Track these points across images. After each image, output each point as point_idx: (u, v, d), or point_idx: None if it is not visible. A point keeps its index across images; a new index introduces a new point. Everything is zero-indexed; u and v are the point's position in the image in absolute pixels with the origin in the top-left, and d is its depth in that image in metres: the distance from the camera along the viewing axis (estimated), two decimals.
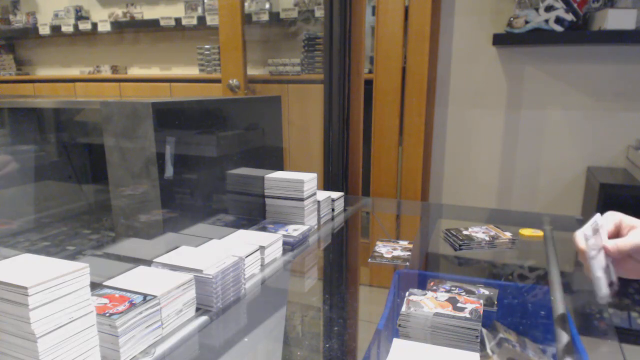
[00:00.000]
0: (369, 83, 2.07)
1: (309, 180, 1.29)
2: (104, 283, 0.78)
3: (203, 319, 0.83)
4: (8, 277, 0.57)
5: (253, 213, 1.32)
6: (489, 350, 0.77)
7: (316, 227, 1.36)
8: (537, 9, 1.84)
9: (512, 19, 1.88)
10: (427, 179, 2.24)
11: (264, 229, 1.22)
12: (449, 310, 0.79)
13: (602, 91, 1.95)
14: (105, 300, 0.71)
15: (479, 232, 1.31)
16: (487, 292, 0.94)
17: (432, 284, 0.97)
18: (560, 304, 0.88)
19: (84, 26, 3.28)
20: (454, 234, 1.30)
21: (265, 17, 2.69)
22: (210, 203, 1.21)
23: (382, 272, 1.16)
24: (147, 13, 3.22)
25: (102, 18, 3.29)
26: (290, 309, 0.99)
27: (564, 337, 0.74)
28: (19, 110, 1.42)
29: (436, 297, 0.84)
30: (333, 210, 1.48)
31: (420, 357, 0.71)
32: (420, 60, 2.01)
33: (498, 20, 2.01)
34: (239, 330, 0.85)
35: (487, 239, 1.26)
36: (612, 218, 0.82)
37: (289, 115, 2.50)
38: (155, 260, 0.89)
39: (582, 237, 0.79)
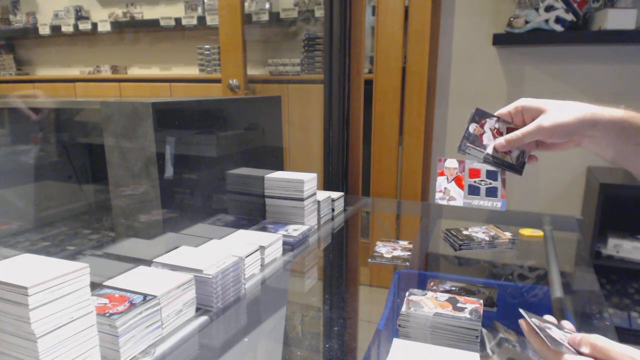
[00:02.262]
0: (369, 83, 2.07)
1: (309, 180, 1.29)
2: (104, 283, 0.78)
3: (203, 319, 0.83)
4: (8, 277, 0.57)
5: (253, 213, 1.32)
6: (489, 350, 0.77)
7: (316, 227, 1.36)
8: (537, 9, 1.84)
9: (512, 19, 1.88)
10: (427, 179, 2.24)
11: (264, 229, 1.22)
12: (449, 310, 0.79)
13: (602, 91, 1.95)
14: (105, 300, 0.71)
15: (479, 232, 1.31)
16: (487, 292, 0.94)
17: (432, 284, 0.97)
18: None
19: (84, 26, 3.28)
20: (454, 234, 1.30)
21: (265, 17, 2.69)
22: (210, 203, 1.22)
23: (382, 272, 1.16)
24: (147, 13, 3.22)
25: (102, 18, 3.29)
26: (290, 309, 0.99)
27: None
28: (19, 110, 1.42)
29: (436, 297, 0.84)
30: (333, 210, 1.48)
31: (420, 357, 0.71)
32: (420, 60, 2.01)
33: (498, 20, 2.01)
34: (239, 330, 0.85)
35: (487, 239, 1.26)
36: (511, 106, 0.80)
37: (289, 115, 2.50)
38: (155, 260, 0.89)
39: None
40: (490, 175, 0.82)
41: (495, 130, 0.81)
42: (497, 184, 0.82)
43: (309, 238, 1.26)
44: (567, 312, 0.83)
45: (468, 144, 0.82)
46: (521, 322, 0.62)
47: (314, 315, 0.96)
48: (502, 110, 0.80)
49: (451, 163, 0.83)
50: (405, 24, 2.00)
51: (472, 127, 0.84)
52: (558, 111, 0.72)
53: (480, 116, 0.84)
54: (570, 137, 0.73)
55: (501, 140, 0.78)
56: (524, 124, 0.77)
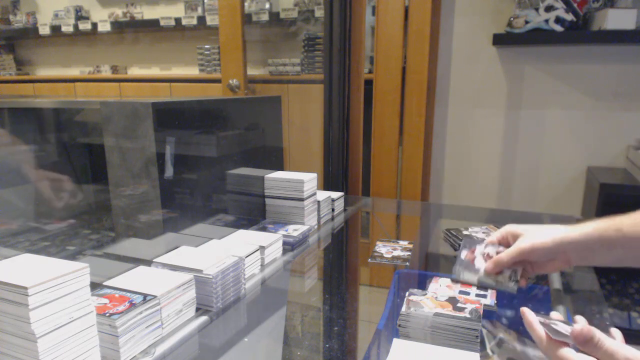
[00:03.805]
0: (369, 83, 2.07)
1: (309, 180, 1.29)
2: (104, 283, 0.78)
3: (203, 319, 0.83)
4: (8, 277, 0.57)
5: (253, 213, 1.32)
6: (489, 350, 0.77)
7: (316, 227, 1.36)
8: (537, 9, 1.84)
9: (512, 19, 1.88)
10: (427, 179, 2.24)
11: (264, 229, 1.22)
12: (449, 310, 0.79)
13: (602, 91, 1.95)
14: (105, 300, 0.71)
15: (479, 232, 1.31)
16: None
17: (432, 283, 0.97)
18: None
19: (84, 26, 3.28)
20: (454, 234, 1.30)
21: (265, 17, 2.69)
22: (210, 203, 1.21)
23: (382, 272, 1.16)
24: (147, 13, 3.22)
25: (102, 18, 3.29)
26: (290, 309, 0.99)
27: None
28: (19, 110, 1.42)
29: (436, 297, 0.84)
30: (333, 210, 1.48)
31: (420, 357, 0.71)
32: (420, 60, 2.01)
33: (498, 20, 2.01)
34: (239, 330, 0.85)
35: (487, 239, 1.26)
36: (498, 232, 0.90)
37: (289, 115, 2.50)
38: (155, 260, 0.89)
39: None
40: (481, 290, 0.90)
41: (486, 255, 0.89)
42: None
43: (309, 238, 1.26)
44: (567, 312, 0.83)
45: (461, 270, 0.90)
46: (523, 310, 0.65)
47: (314, 315, 0.96)
48: (491, 237, 0.90)
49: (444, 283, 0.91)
50: (405, 24, 2.00)
51: (464, 254, 0.93)
52: (536, 234, 0.81)
53: (470, 244, 0.93)
54: (552, 257, 0.80)
55: (489, 263, 0.86)
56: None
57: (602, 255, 0.75)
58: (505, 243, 0.88)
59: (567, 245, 0.77)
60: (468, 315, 0.77)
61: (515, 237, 0.85)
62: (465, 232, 1.31)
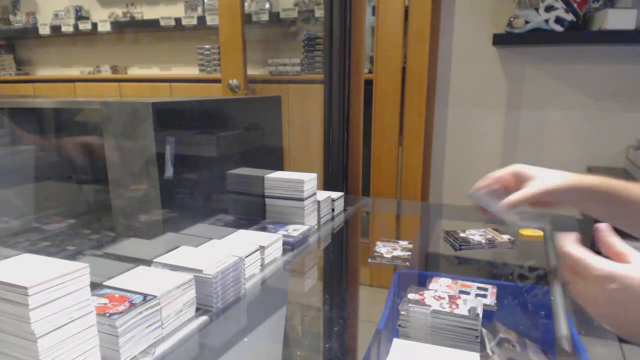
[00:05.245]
0: (369, 83, 2.07)
1: (309, 180, 1.29)
2: (104, 283, 0.78)
3: (203, 319, 0.83)
4: (8, 277, 0.57)
5: (253, 213, 1.32)
6: (489, 350, 0.77)
7: (316, 227, 1.36)
8: (537, 9, 1.84)
9: (512, 19, 1.88)
10: (427, 179, 2.24)
11: (264, 229, 1.22)
12: (448, 310, 0.79)
13: (602, 91, 1.95)
14: (105, 300, 0.71)
15: (476, 235, 1.31)
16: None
17: (432, 283, 0.97)
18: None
19: (84, 26, 3.28)
20: (452, 235, 1.30)
21: (265, 17, 2.69)
22: (210, 203, 1.21)
23: (382, 272, 1.16)
24: (147, 13, 3.22)
25: (102, 18, 3.29)
26: (290, 309, 0.99)
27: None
28: (19, 110, 1.42)
29: (436, 297, 0.84)
30: (333, 210, 1.48)
31: (420, 357, 0.71)
32: (420, 60, 2.01)
33: (498, 20, 2.01)
34: (239, 330, 0.85)
35: (483, 242, 1.26)
36: (508, 170, 0.83)
37: (289, 115, 2.50)
38: (155, 260, 0.89)
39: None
40: None
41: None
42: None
43: (309, 238, 1.26)
44: (567, 312, 0.83)
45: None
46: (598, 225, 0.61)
47: (314, 315, 0.96)
48: (495, 174, 0.83)
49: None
50: (405, 24, 2.00)
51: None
52: (548, 177, 0.78)
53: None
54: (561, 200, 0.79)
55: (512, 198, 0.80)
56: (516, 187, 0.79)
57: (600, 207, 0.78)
58: (508, 184, 0.82)
59: (577, 191, 0.77)
60: (468, 315, 0.77)
61: (524, 178, 0.80)
62: (462, 234, 1.31)
